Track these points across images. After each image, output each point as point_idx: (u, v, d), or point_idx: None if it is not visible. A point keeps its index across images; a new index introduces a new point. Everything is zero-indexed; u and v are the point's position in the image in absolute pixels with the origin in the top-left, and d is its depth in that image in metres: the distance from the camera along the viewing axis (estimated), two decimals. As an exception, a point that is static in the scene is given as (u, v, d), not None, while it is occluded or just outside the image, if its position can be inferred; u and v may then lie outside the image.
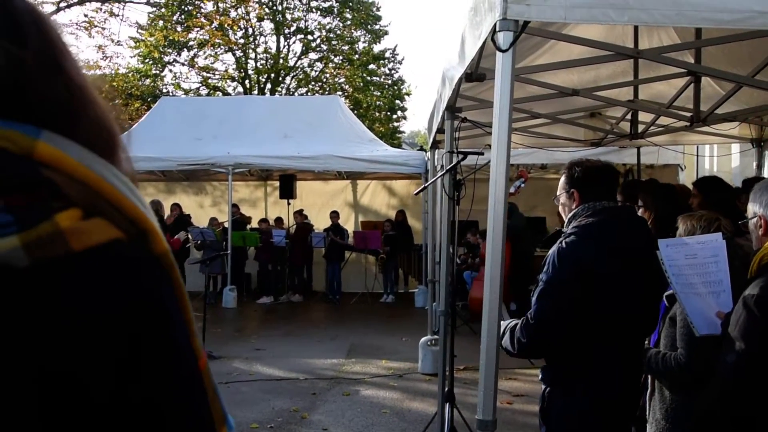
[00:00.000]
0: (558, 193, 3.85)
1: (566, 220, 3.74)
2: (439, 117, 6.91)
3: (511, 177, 13.17)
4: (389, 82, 36.64)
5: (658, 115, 7.73)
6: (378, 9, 35.95)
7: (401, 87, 36.84)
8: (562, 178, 3.83)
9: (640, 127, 8.27)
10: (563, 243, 3.55)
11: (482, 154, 6.32)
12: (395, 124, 37.73)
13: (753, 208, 3.22)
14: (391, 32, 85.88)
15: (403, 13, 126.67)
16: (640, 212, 4.91)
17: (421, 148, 24.32)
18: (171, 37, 30.69)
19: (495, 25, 3.19)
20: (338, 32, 34.84)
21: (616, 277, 3.53)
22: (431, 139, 8.63)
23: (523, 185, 11.01)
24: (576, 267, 3.49)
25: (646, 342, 4.02)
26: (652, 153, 11.63)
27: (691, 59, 6.15)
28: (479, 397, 3.35)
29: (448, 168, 6.13)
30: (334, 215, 17.11)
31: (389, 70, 36.69)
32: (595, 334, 3.50)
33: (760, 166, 8.76)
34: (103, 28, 24.41)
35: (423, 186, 7.16)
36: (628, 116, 8.24)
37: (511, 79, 3.22)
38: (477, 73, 4.82)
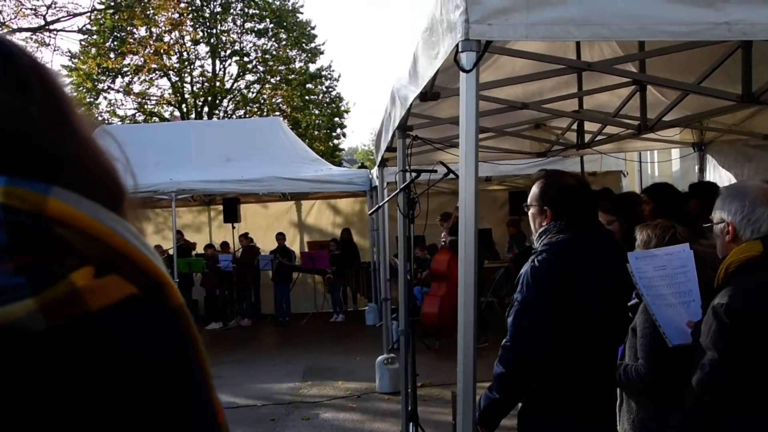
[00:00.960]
0: (529, 202, 3.82)
1: (536, 234, 3.74)
2: (389, 136, 6.91)
3: (456, 192, 13.30)
4: (327, 100, 36.68)
5: (605, 125, 7.85)
6: (313, 28, 36.00)
7: (339, 105, 36.90)
8: (535, 189, 3.79)
9: (587, 137, 8.38)
10: (535, 261, 3.54)
11: (435, 171, 6.36)
12: (335, 141, 37.73)
13: (720, 215, 3.24)
14: (327, 50, 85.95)
15: (337, 29, 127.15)
16: (612, 226, 4.92)
17: (363, 165, 24.36)
18: (104, 65, 30.30)
19: (457, 45, 3.18)
20: (274, 53, 34.77)
21: (589, 293, 3.53)
22: (379, 158, 8.63)
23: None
24: (550, 285, 3.48)
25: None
26: (595, 161, 11.81)
27: (635, 70, 6.25)
28: (458, 422, 3.33)
29: (402, 186, 6.12)
30: (281, 237, 17.01)
31: (326, 88, 36.74)
32: (571, 350, 3.50)
33: (701, 170, 8.95)
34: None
35: (378, 206, 7.18)
36: (574, 126, 8.35)
37: (476, 98, 3.23)
38: (432, 93, 4.82)
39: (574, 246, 3.58)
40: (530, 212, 3.80)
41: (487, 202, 15.52)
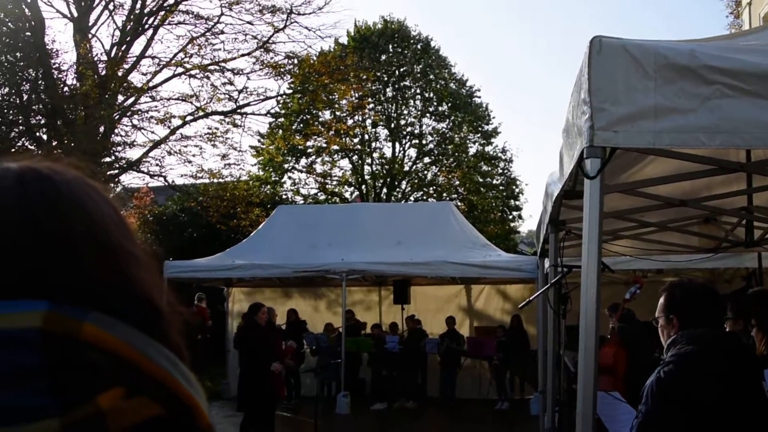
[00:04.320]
0: (657, 315, 3.74)
1: (665, 345, 3.63)
2: (544, 228, 6.87)
3: (627, 282, 12.82)
4: (503, 182, 36.74)
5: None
6: (487, 110, 36.44)
7: (513, 187, 36.86)
8: (662, 300, 3.73)
9: (757, 234, 7.98)
10: (661, 373, 3.44)
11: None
12: (511, 224, 37.58)
13: None
14: (503, 131, 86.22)
15: (514, 110, 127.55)
16: (753, 332, 4.69)
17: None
18: (290, 142, 31.77)
19: (582, 151, 3.18)
20: (449, 134, 35.38)
21: (717, 407, 3.36)
22: (539, 248, 8.56)
23: (638, 291, 10.70)
24: (675, 397, 3.36)
25: None
26: (774, 256, 11.15)
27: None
28: None
29: (551, 282, 6.06)
30: (451, 321, 17.02)
31: (501, 170, 36.84)
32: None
33: None
34: (226, 139, 25.43)
35: (527, 300, 7.09)
36: (744, 221, 7.98)
37: (600, 204, 3.19)
38: (575, 191, 4.79)
39: (702, 358, 3.44)
40: (659, 324, 3.70)
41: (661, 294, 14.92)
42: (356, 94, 28.41)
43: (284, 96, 28.00)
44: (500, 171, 36.82)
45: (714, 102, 3.02)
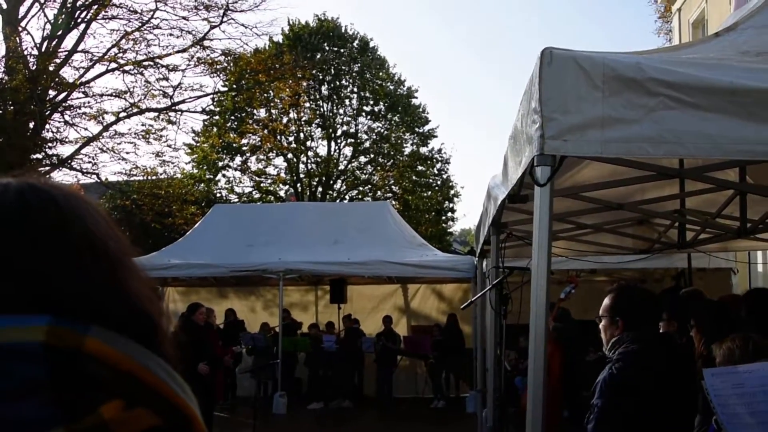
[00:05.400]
0: (601, 314, 3.95)
1: (608, 345, 3.86)
2: (485, 230, 6.99)
3: (561, 281, 13.04)
4: (438, 182, 37.03)
5: (705, 227, 7.71)
6: (425, 112, 36.69)
7: (449, 188, 37.17)
8: (607, 301, 3.96)
9: (689, 235, 8.23)
10: (613, 369, 3.74)
11: (528, 269, 6.37)
12: (444, 225, 37.90)
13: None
14: (439, 133, 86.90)
15: (451, 111, 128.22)
16: (692, 332, 4.91)
17: (471, 249, 24.34)
18: (224, 139, 31.54)
19: (533, 159, 3.28)
20: (385, 134, 35.53)
21: (661, 400, 3.69)
22: (479, 248, 8.68)
23: (573, 291, 10.93)
24: (626, 390, 3.67)
25: None
26: (703, 257, 11.48)
27: (735, 176, 6.15)
28: None
29: (493, 283, 6.17)
30: (387, 320, 17.11)
31: (437, 170, 37.14)
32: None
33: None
34: (161, 136, 25.12)
35: (469, 301, 7.21)
36: (677, 224, 8.22)
37: (550, 211, 3.30)
38: (520, 195, 4.91)
39: (646, 355, 3.77)
40: (602, 324, 3.92)
41: (594, 293, 15.21)
42: (291, 93, 28.32)
43: (219, 93, 27.79)
44: (436, 172, 37.12)
45: (659, 113, 3.15)
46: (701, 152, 3.21)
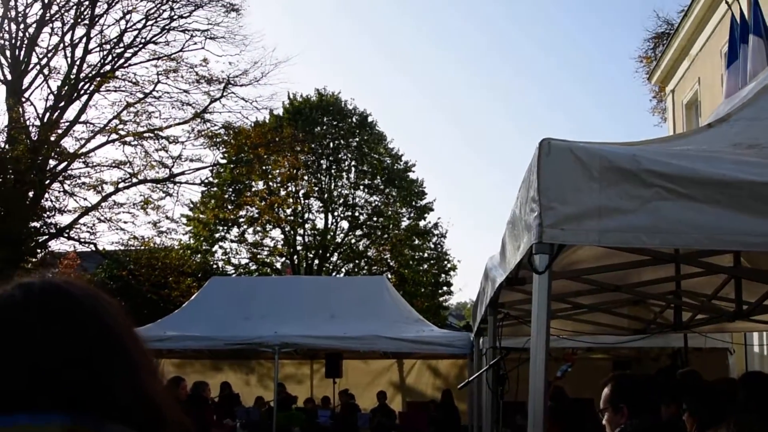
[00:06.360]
0: (603, 407, 3.92)
1: None
2: (482, 309, 7.03)
3: (558, 358, 12.99)
4: (434, 255, 37.07)
5: (699, 310, 7.77)
6: (422, 186, 36.96)
7: (445, 262, 37.20)
8: (606, 391, 3.91)
9: (685, 316, 8.27)
10: None
11: (524, 349, 6.40)
12: (440, 299, 37.86)
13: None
14: (437, 207, 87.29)
15: (448, 186, 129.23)
16: (685, 417, 4.90)
17: (468, 324, 24.27)
18: (221, 216, 31.71)
19: (531, 247, 3.35)
20: (381, 209, 35.73)
21: None
22: (475, 326, 8.70)
23: (569, 369, 10.89)
24: None
25: None
26: (699, 337, 11.47)
27: (731, 259, 6.23)
28: None
29: (490, 363, 6.20)
30: (382, 396, 16.97)
31: (433, 244, 37.22)
32: None
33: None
34: (159, 206, 25.26)
35: (466, 381, 7.21)
36: (672, 305, 8.27)
37: (548, 297, 3.35)
38: (518, 278, 4.97)
39: None
40: (606, 417, 3.89)
41: (590, 371, 15.18)
42: (290, 166, 28.60)
43: (218, 166, 28.05)
44: (432, 246, 37.22)
45: (654, 204, 3.23)
46: (696, 243, 3.28)
